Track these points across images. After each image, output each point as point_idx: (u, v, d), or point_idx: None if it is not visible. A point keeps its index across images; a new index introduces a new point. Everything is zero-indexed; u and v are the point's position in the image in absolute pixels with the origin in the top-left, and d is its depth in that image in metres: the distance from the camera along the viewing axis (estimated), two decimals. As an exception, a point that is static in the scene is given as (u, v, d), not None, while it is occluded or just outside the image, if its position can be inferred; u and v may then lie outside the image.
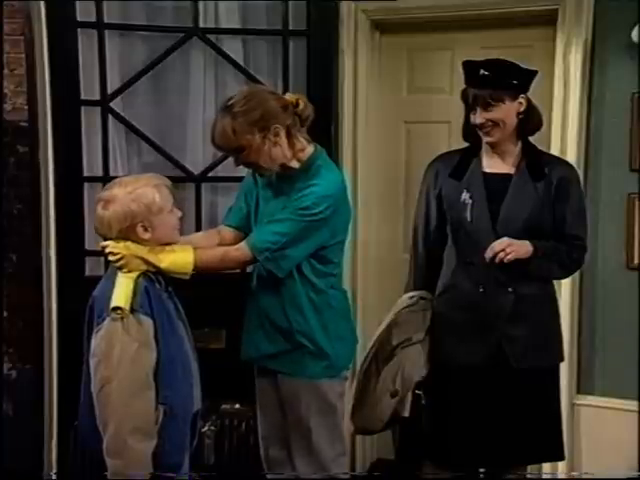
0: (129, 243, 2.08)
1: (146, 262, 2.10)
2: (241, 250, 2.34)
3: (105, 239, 2.13)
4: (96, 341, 2.02)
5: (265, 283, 2.41)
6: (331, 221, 2.36)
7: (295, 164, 2.40)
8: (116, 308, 1.99)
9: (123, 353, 1.98)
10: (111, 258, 2.08)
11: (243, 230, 2.54)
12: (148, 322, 2.03)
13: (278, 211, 2.37)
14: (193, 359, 2.20)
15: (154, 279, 2.13)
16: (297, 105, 2.37)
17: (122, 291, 2.04)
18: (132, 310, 2.01)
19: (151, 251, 2.11)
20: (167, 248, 2.16)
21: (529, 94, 2.53)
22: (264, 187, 2.50)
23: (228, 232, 2.56)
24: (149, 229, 2.09)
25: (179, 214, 2.20)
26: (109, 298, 2.02)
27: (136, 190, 2.07)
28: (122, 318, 1.99)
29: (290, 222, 2.30)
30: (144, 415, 2.01)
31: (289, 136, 2.36)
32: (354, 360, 2.67)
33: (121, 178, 2.16)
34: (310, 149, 2.43)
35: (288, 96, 2.40)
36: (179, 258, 2.18)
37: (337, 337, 2.46)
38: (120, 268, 2.08)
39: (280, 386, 2.47)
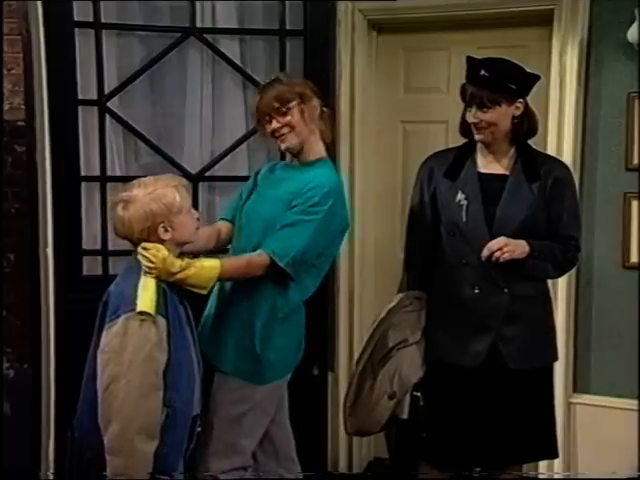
0: (167, 254, 2.09)
1: (173, 275, 2.11)
2: (263, 256, 2.33)
3: (127, 240, 2.14)
4: (108, 337, 2.01)
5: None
6: (335, 217, 2.39)
7: (312, 155, 2.47)
8: (142, 312, 1.99)
9: (136, 352, 1.98)
10: (145, 263, 2.08)
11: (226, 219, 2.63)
12: (163, 323, 2.04)
13: (279, 193, 2.43)
14: (197, 364, 2.21)
15: None
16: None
17: (148, 295, 2.03)
18: None
19: (183, 269, 2.12)
20: (197, 263, 2.18)
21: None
22: (267, 177, 2.58)
23: (224, 226, 2.61)
24: (169, 229, 2.11)
25: (196, 215, 2.22)
26: (128, 296, 2.03)
27: (156, 190, 2.09)
28: (143, 320, 1.99)
29: (304, 224, 2.33)
30: (151, 416, 2.00)
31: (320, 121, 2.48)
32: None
33: (139, 179, 2.17)
34: (324, 151, 2.51)
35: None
36: (205, 273, 2.19)
37: (277, 348, 2.42)
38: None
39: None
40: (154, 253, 2.08)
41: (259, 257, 2.33)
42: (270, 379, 2.43)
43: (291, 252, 2.31)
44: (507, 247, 2.44)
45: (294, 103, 2.42)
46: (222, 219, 2.65)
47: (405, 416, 2.58)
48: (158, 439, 2.02)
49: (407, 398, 2.59)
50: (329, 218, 2.35)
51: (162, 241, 2.11)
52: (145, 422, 1.99)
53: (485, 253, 2.45)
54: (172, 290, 2.13)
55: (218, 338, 2.45)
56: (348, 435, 3.05)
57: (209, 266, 2.22)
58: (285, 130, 2.43)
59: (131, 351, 1.98)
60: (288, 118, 2.42)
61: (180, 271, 2.13)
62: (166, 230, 2.10)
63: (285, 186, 2.46)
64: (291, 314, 2.43)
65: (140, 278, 2.07)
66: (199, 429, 2.28)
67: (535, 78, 2.52)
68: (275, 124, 2.43)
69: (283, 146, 2.47)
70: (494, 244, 2.44)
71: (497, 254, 2.43)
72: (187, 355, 2.14)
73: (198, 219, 2.25)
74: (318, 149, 2.49)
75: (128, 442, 1.97)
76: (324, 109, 2.52)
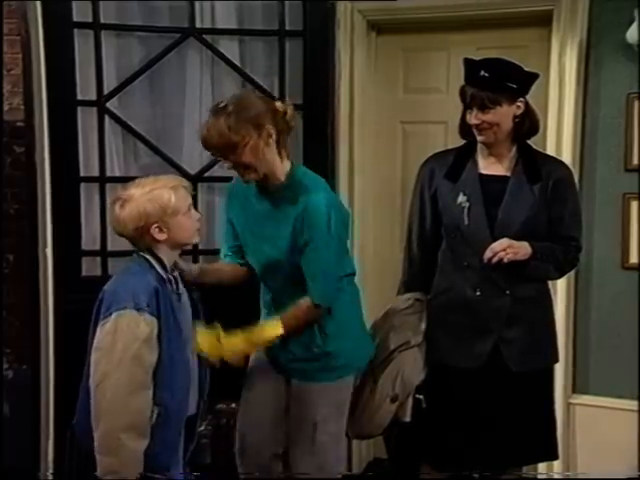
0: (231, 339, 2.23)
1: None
2: (311, 304, 2.35)
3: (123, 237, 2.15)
4: (101, 334, 2.02)
5: (282, 290, 2.43)
6: (339, 224, 2.35)
7: (280, 176, 2.36)
8: (134, 310, 2.01)
9: (125, 350, 1.98)
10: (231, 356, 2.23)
11: (240, 262, 2.54)
12: (153, 322, 2.04)
13: (279, 231, 2.36)
14: (193, 364, 2.21)
15: (166, 279, 2.13)
16: (285, 113, 2.34)
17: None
18: (138, 309, 2.02)
19: (247, 341, 2.26)
20: (258, 328, 2.30)
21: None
22: (246, 208, 2.47)
23: (238, 267, 2.55)
24: (164, 230, 2.10)
25: (197, 216, 2.20)
26: (121, 294, 2.03)
27: (153, 191, 2.08)
28: (133, 318, 2.00)
29: (323, 259, 2.33)
30: (139, 414, 2.00)
31: (278, 143, 2.33)
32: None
33: (140, 179, 2.16)
34: (288, 163, 2.40)
35: (277, 104, 2.36)
36: (268, 335, 2.31)
37: (351, 337, 2.46)
38: None
39: (291, 387, 2.47)
40: (232, 348, 2.23)
41: (308, 307, 2.36)
42: (344, 373, 2.45)
43: (329, 290, 2.37)
44: (510, 249, 2.43)
45: (241, 147, 2.24)
46: (226, 260, 2.55)
47: (408, 419, 2.57)
48: (148, 437, 2.02)
49: (409, 401, 2.57)
50: (336, 233, 2.33)
51: (157, 241, 2.10)
52: (133, 420, 1.99)
53: (488, 255, 2.43)
54: (169, 289, 2.13)
55: (285, 349, 2.45)
56: (348, 439, 3.04)
57: (271, 326, 2.33)
58: (240, 168, 2.33)
59: (120, 349, 1.98)
60: (240, 159, 2.28)
61: (246, 348, 2.30)
62: (161, 230, 2.09)
63: (278, 223, 2.36)
64: (342, 299, 2.45)
65: (137, 279, 2.07)
66: (201, 429, 2.28)
67: (534, 76, 2.51)
68: (228, 163, 2.32)
69: (244, 179, 2.37)
70: (497, 246, 2.44)
71: (501, 254, 2.42)
72: (182, 355, 2.13)
73: (199, 220, 2.23)
74: (284, 164, 2.36)
75: (115, 440, 1.97)
76: (284, 107, 2.33)
